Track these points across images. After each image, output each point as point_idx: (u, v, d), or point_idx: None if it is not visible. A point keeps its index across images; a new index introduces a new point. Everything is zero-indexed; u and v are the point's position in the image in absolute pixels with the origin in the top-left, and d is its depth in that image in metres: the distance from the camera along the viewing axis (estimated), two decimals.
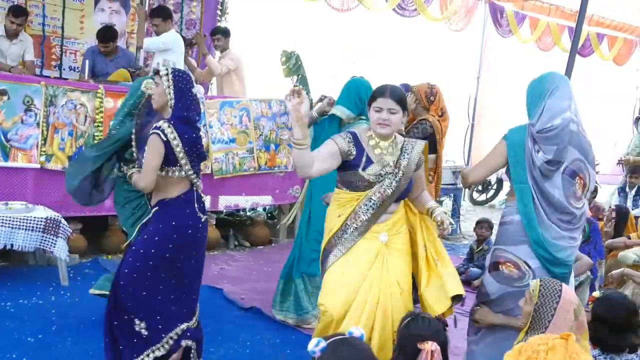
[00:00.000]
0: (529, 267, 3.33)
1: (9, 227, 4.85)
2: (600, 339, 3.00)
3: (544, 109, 3.29)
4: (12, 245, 4.88)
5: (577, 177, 3.34)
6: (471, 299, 3.79)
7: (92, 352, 3.97)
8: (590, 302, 3.28)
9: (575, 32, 5.71)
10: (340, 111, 4.51)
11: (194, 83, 3.74)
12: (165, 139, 3.48)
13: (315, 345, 2.01)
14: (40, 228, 4.95)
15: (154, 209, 3.64)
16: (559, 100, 3.30)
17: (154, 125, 3.73)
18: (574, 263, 4.58)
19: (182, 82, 3.61)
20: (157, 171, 3.53)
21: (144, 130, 3.80)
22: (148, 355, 3.59)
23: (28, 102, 5.39)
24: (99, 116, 5.69)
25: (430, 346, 2.40)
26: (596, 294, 3.49)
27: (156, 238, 3.56)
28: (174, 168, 3.53)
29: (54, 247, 5.02)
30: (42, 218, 5.00)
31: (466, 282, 6.21)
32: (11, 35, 6.44)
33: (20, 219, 4.91)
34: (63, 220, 5.12)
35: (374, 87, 3.97)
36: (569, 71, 5.42)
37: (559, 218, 3.32)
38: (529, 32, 11.54)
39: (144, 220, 3.72)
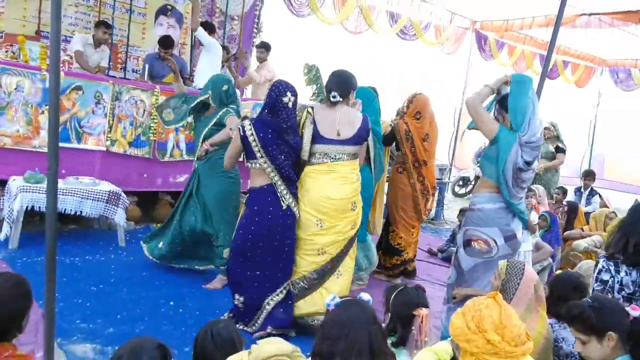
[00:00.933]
0: (496, 243, 3.41)
1: (79, 197, 4.87)
2: (550, 308, 2.96)
3: (530, 124, 3.35)
4: (81, 212, 4.91)
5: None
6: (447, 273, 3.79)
7: (142, 300, 3.99)
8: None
9: (545, 59, 5.55)
10: None
11: (288, 92, 3.51)
12: (242, 134, 3.45)
13: (331, 299, 1.99)
14: (104, 199, 4.98)
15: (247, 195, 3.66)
16: (537, 117, 3.40)
17: (242, 120, 3.91)
18: (536, 251, 4.63)
19: (275, 90, 3.50)
20: (235, 158, 3.63)
21: None
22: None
23: (98, 96, 5.39)
24: (155, 110, 5.69)
25: (424, 311, 2.40)
26: (558, 272, 3.49)
27: (244, 221, 3.55)
28: (254, 160, 3.47)
29: (115, 215, 5.04)
30: (106, 191, 5.02)
31: (448, 259, 6.19)
32: (97, 44, 6.44)
33: (89, 191, 4.93)
34: (123, 194, 5.13)
35: (381, 95, 3.96)
36: (539, 91, 5.30)
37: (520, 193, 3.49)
38: (507, 57, 11.39)
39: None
